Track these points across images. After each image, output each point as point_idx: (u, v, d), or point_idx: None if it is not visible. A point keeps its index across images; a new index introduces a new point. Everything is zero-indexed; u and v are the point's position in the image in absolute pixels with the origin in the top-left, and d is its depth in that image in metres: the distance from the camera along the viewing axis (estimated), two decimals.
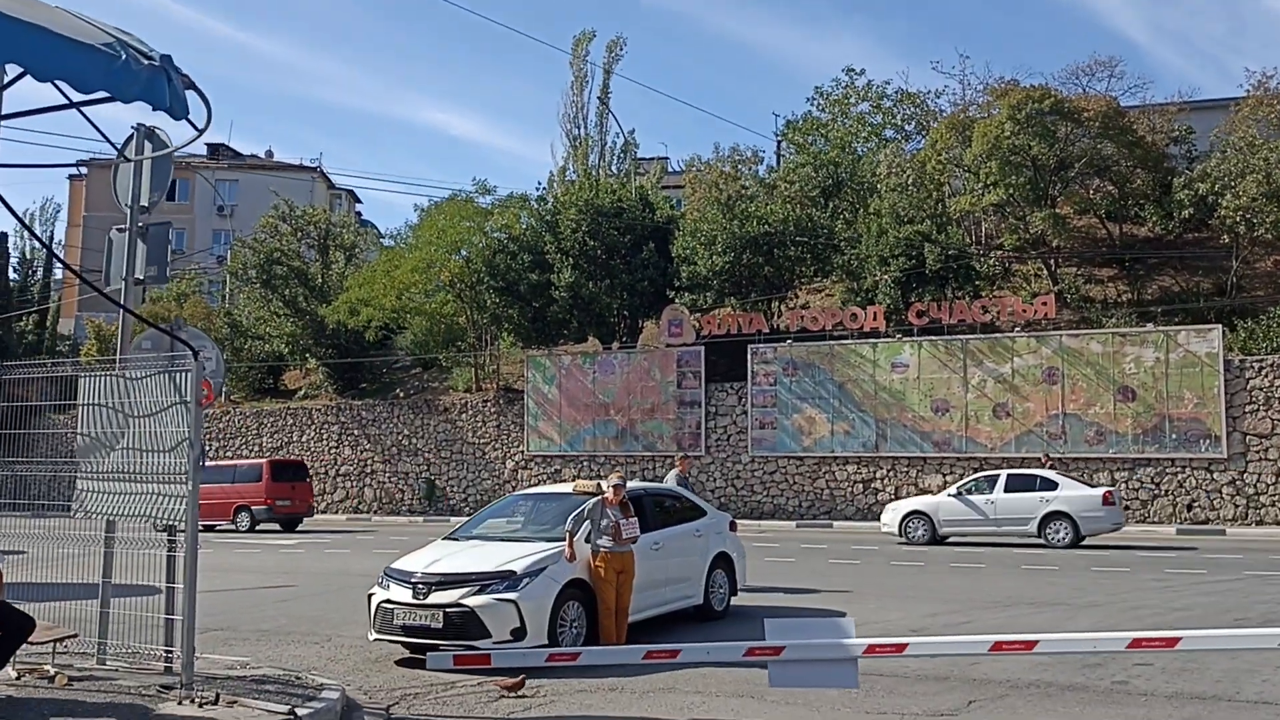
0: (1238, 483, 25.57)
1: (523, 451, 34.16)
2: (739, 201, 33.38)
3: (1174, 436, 26.26)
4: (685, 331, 31.76)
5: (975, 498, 22.02)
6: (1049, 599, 13.35)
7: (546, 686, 8.80)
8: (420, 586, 10.18)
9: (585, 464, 32.84)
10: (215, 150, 57.72)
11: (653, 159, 47.96)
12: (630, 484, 11.34)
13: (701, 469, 30.59)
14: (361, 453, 36.62)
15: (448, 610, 9.92)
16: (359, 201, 65.37)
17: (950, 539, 22.12)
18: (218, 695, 7.37)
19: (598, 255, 32.97)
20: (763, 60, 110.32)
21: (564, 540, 10.44)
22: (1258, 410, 25.59)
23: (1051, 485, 21.41)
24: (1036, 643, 7.52)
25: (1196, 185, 28.15)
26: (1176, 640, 7.28)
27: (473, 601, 9.87)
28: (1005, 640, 7.61)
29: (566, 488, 12.29)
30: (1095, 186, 32.08)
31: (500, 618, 9.77)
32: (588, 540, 10.42)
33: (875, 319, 29.29)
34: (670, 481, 15.18)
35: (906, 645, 7.85)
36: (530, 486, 33.33)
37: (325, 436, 37.32)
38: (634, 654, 9.00)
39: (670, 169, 47.03)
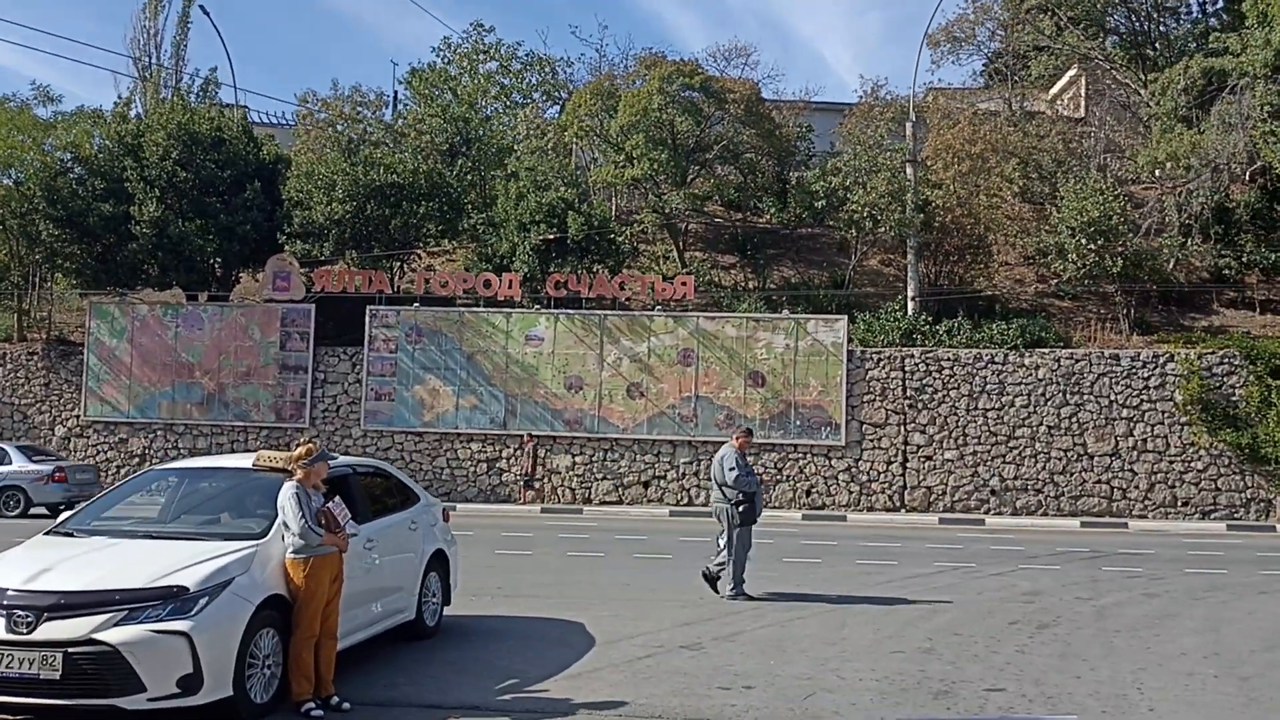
0: (853, 470, 26.28)
1: (78, 417, 28.45)
2: (363, 146, 29.87)
3: (798, 423, 26.55)
4: (294, 286, 27.82)
5: None
6: (795, 598, 11.91)
7: None
8: (20, 614, 6.68)
9: (160, 434, 27.95)
10: None
11: (235, 106, 42.57)
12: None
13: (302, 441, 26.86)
14: None
15: (72, 651, 6.54)
16: None
17: None
18: None
19: (190, 190, 28.07)
20: (372, 27, 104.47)
21: (249, 540, 7.33)
22: (874, 400, 26.44)
23: None
24: None
25: (830, 178, 28.76)
26: None
27: (116, 636, 6.59)
28: None
29: (240, 459, 9.03)
30: (726, 173, 32.09)
31: (162, 660, 6.58)
32: (285, 538, 7.39)
33: (511, 287, 27.19)
34: (727, 463, 12.12)
35: None
36: (94, 458, 27.93)
37: None
38: None
39: (271, 119, 41.99)
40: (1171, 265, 28.05)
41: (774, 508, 25.96)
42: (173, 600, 6.72)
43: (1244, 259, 27.80)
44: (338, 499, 7.59)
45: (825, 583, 13.05)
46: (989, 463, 25.80)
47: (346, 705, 7.35)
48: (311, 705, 7.22)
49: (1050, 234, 27.71)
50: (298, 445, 7.79)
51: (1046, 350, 26.00)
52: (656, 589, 12.67)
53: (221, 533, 7.68)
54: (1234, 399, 25.04)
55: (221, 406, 28.05)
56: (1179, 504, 24.95)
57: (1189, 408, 25.00)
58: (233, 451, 25.24)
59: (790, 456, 26.51)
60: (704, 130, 29.81)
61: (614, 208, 32.31)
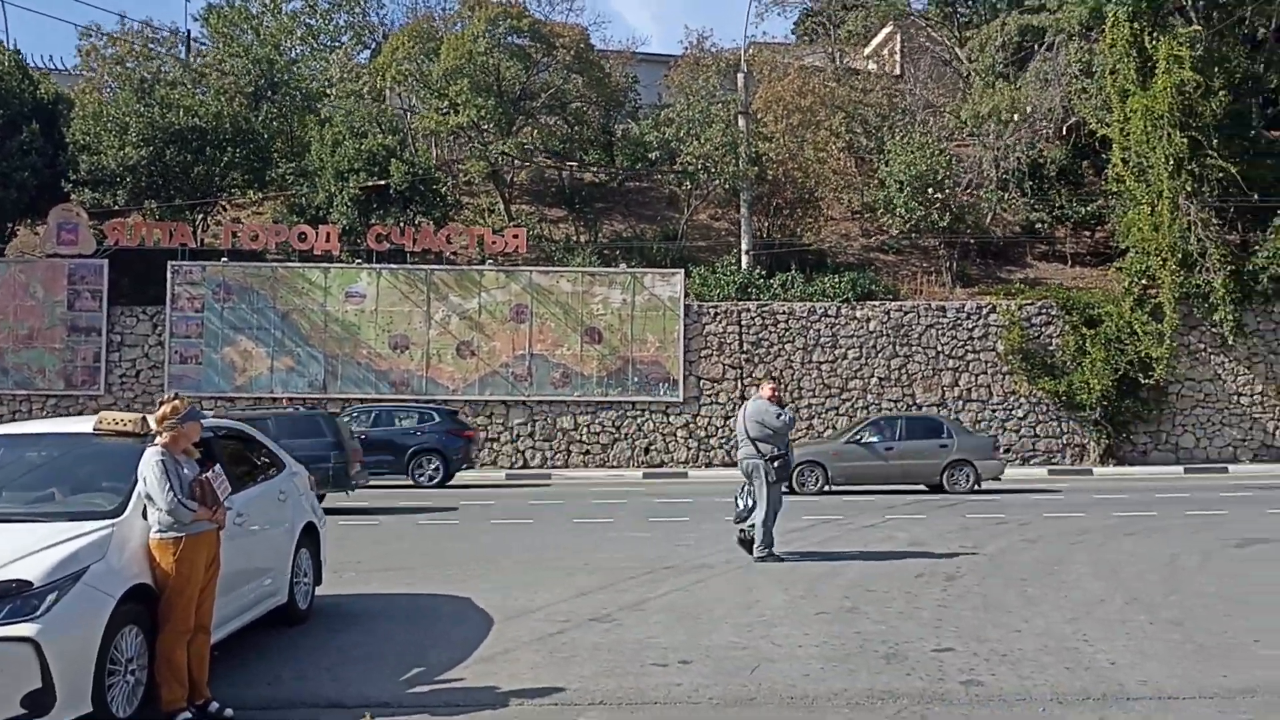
0: (691, 426, 25.97)
1: None
2: (158, 86, 27.20)
3: (636, 380, 26.00)
4: (82, 239, 25.17)
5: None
6: (690, 561, 11.22)
7: None
8: None
9: None
10: None
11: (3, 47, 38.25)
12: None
13: (98, 411, 24.48)
14: None
15: None
16: None
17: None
18: None
19: None
20: None
21: (101, 520, 6.07)
22: (712, 355, 26.16)
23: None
24: None
25: (663, 129, 28.12)
26: None
27: None
28: None
29: (74, 423, 7.61)
30: (553, 123, 30.99)
31: (1, 675, 5.24)
32: (148, 515, 6.15)
33: (329, 241, 25.43)
34: (770, 412, 11.11)
35: None
36: None
37: None
38: None
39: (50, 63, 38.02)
40: (989, 219, 28.84)
41: (612, 466, 25.46)
42: (12, 598, 5.40)
43: (1055, 213, 28.85)
44: (217, 467, 6.35)
45: (707, 543, 12.46)
46: (824, 415, 25.96)
47: (229, 712, 6.18)
48: (187, 715, 6.03)
49: (879, 188, 27.99)
50: (161, 403, 6.47)
51: (877, 303, 26.30)
52: (530, 556, 11.78)
53: (65, 512, 6.30)
54: (1051, 348, 25.98)
55: (0, 373, 25.24)
56: (1002, 451, 25.72)
57: (1010, 357, 25.78)
58: (15, 422, 22.71)
59: (629, 414, 25.98)
60: (531, 77, 28.62)
61: (436, 157, 30.76)
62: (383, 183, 25.51)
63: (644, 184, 31.99)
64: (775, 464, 11.07)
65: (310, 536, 8.64)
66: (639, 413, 26.01)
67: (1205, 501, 16.94)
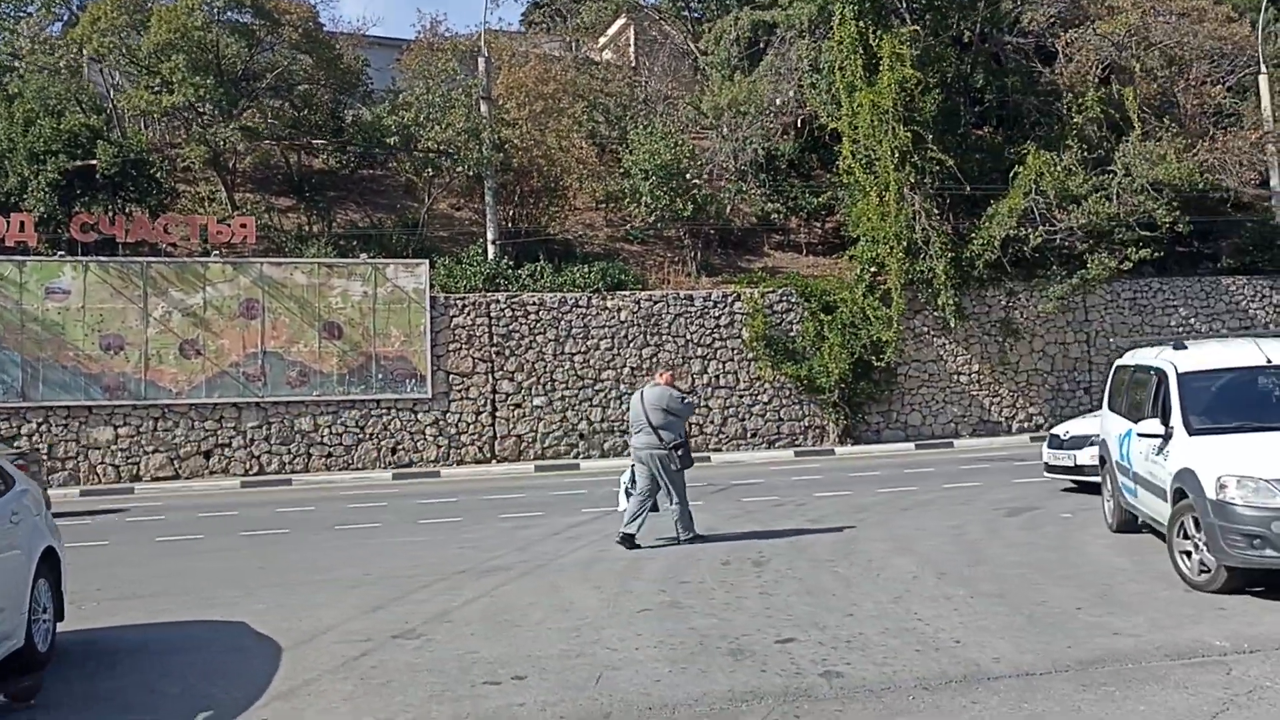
0: (441, 423, 24.93)
1: None
2: None
3: (380, 377, 24.66)
4: None
5: None
6: (481, 564, 10.38)
7: None
8: None
9: None
10: None
11: None
12: None
13: None
14: None
15: None
16: None
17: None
18: None
19: None
20: None
21: None
22: (460, 348, 25.20)
23: None
24: None
25: (401, 113, 26.82)
26: None
27: None
28: None
29: None
30: (279, 107, 28.93)
31: None
32: None
33: (23, 231, 22.58)
34: (669, 403, 11.18)
35: None
36: None
37: None
38: None
39: None
40: (729, 210, 29.38)
41: (357, 469, 24.11)
42: None
43: (789, 204, 29.75)
44: None
45: (491, 544, 11.71)
46: (577, 407, 25.60)
47: None
48: None
49: (624, 178, 27.90)
50: None
51: (627, 293, 26.19)
52: (299, 570, 10.64)
53: None
54: (792, 334, 26.72)
55: None
56: (749, 435, 26.27)
57: (755, 344, 26.31)
58: None
59: (373, 413, 24.61)
60: (255, 56, 26.56)
61: (149, 140, 28.05)
62: (91, 162, 22.88)
63: (379, 171, 30.49)
64: (680, 452, 11.12)
65: (50, 564, 7.28)
66: (384, 411, 24.69)
67: (952, 475, 17.76)
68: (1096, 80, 28.30)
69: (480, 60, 27.62)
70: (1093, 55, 27.95)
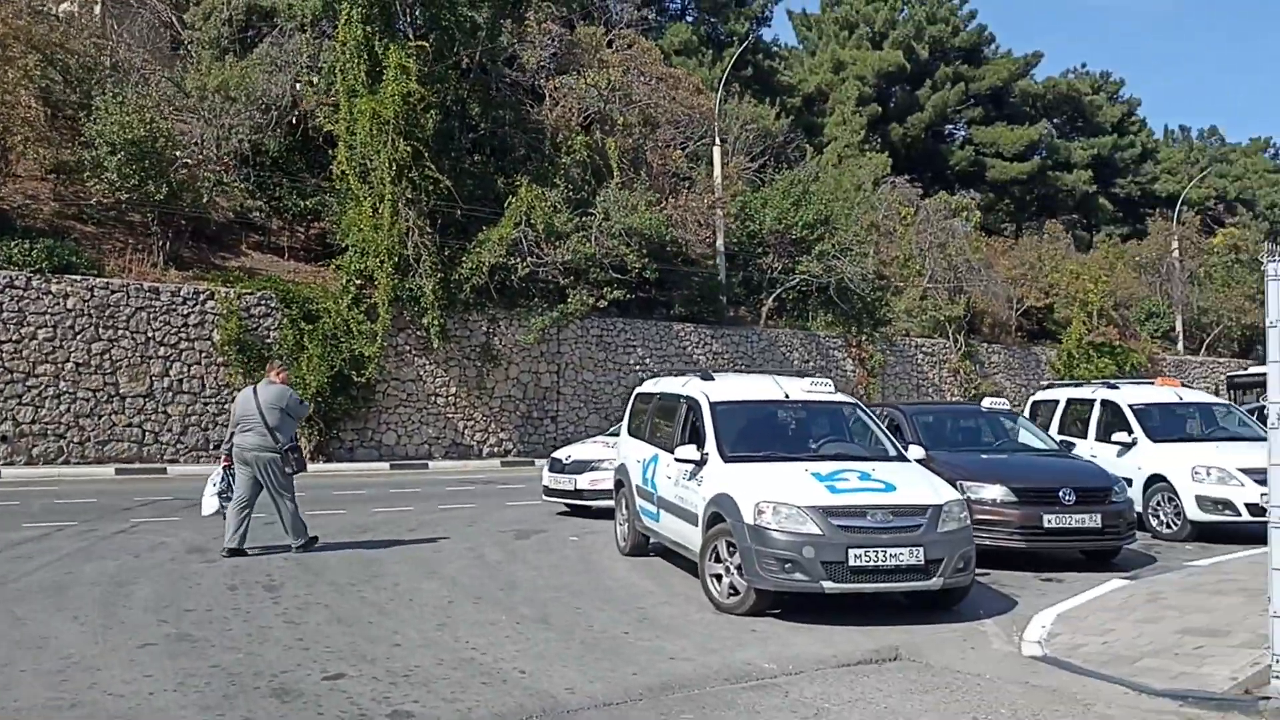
0: None
1: None
2: None
3: None
4: None
5: None
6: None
7: None
8: None
9: None
10: None
11: None
12: None
13: None
14: None
15: None
16: None
17: None
18: None
19: None
20: None
21: None
22: None
23: None
24: None
25: None
26: None
27: None
28: None
29: None
30: None
31: None
32: None
33: None
34: (286, 402, 10.56)
35: None
36: None
37: None
38: None
39: None
40: (207, 201, 26.98)
41: None
42: None
43: (272, 203, 28.00)
44: None
45: None
46: (3, 404, 21.92)
47: None
48: None
49: (85, 148, 24.54)
50: None
51: (78, 278, 23.00)
52: None
53: None
54: (269, 341, 25.07)
55: None
56: (211, 447, 24.14)
57: (226, 348, 24.35)
58: None
59: None
60: None
61: None
62: None
63: None
64: (294, 455, 10.66)
65: None
66: None
67: (442, 496, 17.41)
68: (580, 127, 29.90)
69: None
70: (577, 103, 29.51)
